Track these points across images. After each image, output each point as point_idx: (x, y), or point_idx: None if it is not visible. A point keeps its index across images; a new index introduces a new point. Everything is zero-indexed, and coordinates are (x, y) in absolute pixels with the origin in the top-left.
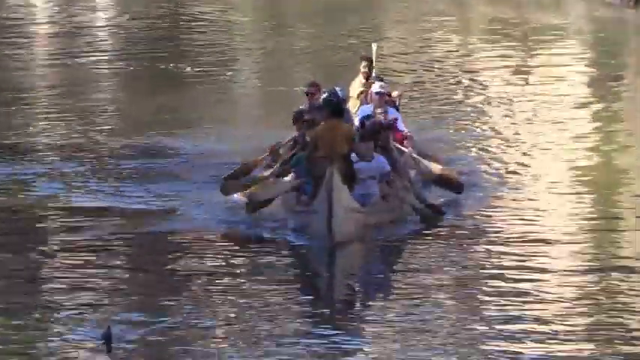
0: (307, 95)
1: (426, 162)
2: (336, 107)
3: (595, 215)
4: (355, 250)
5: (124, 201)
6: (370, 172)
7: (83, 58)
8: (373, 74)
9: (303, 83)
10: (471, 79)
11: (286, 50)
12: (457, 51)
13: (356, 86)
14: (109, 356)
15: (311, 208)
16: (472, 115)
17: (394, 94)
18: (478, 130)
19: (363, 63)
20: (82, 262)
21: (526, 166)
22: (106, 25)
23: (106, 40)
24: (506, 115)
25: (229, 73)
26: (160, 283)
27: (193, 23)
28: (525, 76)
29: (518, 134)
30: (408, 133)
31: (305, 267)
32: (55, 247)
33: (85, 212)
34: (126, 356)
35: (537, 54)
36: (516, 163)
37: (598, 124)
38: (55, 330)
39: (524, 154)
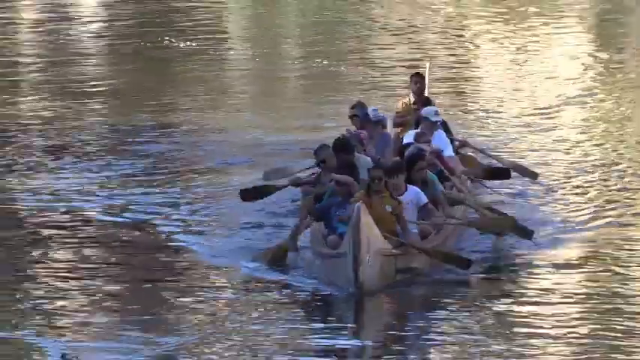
0: (352, 118)
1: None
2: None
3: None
4: (386, 302)
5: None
6: (404, 208)
7: (73, 35)
8: (426, 93)
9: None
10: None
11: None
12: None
13: (404, 106)
14: None
15: (339, 250)
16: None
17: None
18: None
19: (414, 79)
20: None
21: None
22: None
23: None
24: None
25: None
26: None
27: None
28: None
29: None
30: (451, 161)
31: (326, 320)
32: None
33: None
34: None
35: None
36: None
37: None
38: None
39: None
